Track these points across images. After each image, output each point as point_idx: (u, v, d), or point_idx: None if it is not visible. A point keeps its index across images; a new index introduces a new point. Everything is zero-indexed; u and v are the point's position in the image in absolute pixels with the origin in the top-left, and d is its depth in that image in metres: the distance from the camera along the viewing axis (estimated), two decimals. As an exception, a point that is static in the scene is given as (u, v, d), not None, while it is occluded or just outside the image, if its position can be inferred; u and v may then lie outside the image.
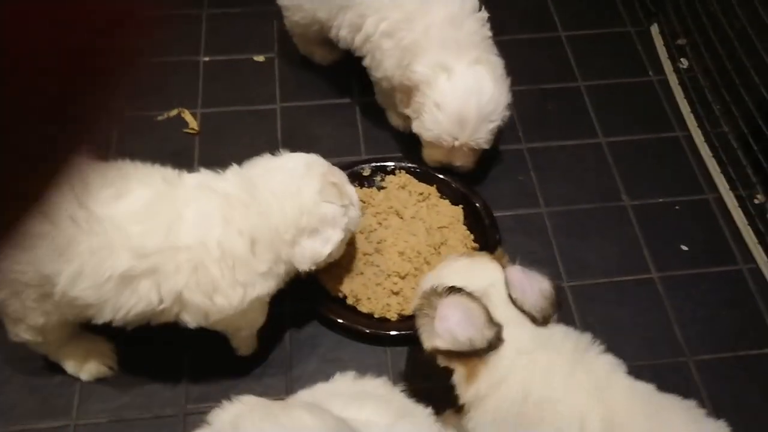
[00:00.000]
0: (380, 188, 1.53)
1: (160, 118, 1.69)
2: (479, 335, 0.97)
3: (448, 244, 1.44)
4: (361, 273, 1.39)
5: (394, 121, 1.66)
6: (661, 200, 1.59)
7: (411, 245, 1.42)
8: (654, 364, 1.33)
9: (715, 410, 1.23)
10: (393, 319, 1.35)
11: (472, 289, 1.01)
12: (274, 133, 1.67)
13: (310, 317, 1.38)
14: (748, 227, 1.52)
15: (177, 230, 1.08)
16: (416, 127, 1.47)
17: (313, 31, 1.63)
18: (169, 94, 1.74)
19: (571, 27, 1.93)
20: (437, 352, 1.00)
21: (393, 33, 1.44)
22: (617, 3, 1.98)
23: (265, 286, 1.15)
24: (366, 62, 1.54)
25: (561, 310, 1.06)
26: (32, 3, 0.28)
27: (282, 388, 1.30)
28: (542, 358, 0.98)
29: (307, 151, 1.28)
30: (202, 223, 1.09)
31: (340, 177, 1.26)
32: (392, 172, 1.56)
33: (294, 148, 1.28)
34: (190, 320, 1.13)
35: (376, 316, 1.35)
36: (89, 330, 1.23)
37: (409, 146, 1.61)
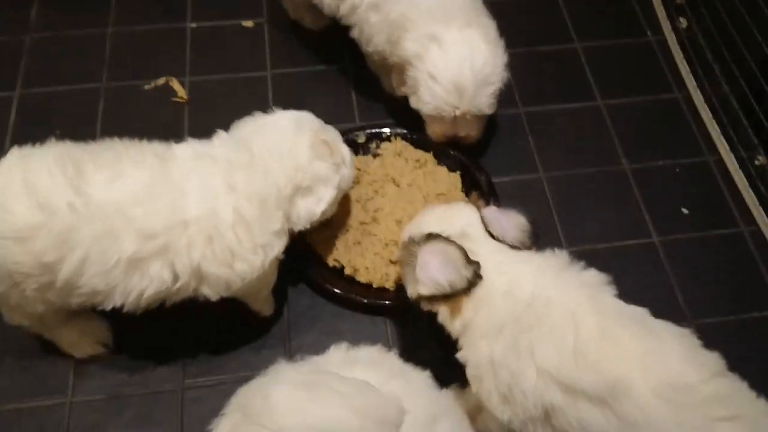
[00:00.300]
0: (375, 155, 1.50)
1: (147, 87, 1.65)
2: (458, 276, 1.00)
3: (446, 211, 1.41)
4: (359, 242, 1.37)
5: (388, 86, 1.62)
6: (661, 163, 1.57)
7: (408, 213, 1.39)
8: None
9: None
10: (392, 289, 1.33)
11: (450, 233, 1.04)
12: (265, 101, 1.63)
13: (308, 289, 1.36)
14: (749, 189, 1.51)
15: (182, 205, 1.06)
16: (414, 103, 1.43)
17: None
18: (156, 63, 1.69)
19: (566, -14, 1.88)
20: (421, 298, 1.04)
21: (380, 6, 1.40)
22: (614, -39, 1.94)
23: (281, 244, 1.15)
24: (354, 34, 1.50)
25: (539, 241, 1.08)
26: None
27: (281, 361, 1.27)
28: (522, 269, 1.02)
29: (301, 119, 1.24)
30: (207, 193, 1.08)
31: (332, 135, 1.25)
32: (387, 138, 1.52)
33: (286, 115, 1.25)
34: (211, 292, 1.12)
35: (374, 285, 1.33)
36: (84, 309, 1.21)
37: (403, 112, 1.57)
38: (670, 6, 1.81)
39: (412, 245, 1.05)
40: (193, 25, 1.78)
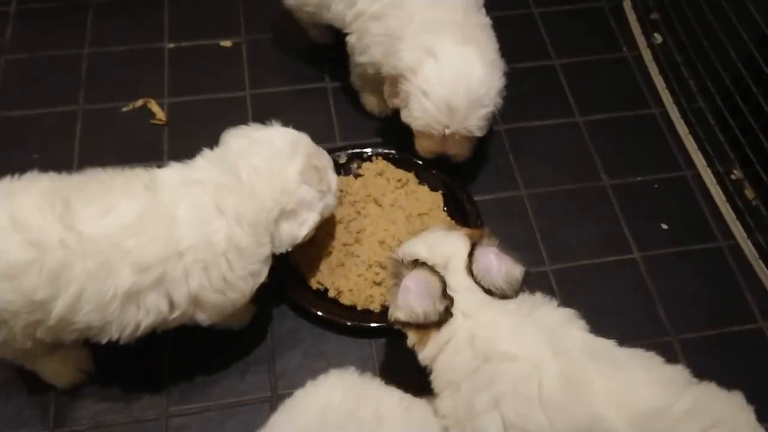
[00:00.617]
0: (357, 176, 1.50)
1: (125, 109, 1.63)
2: (433, 309, 1.01)
3: (429, 231, 1.41)
4: (342, 264, 1.36)
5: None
6: (639, 179, 1.58)
7: (391, 233, 1.39)
8: (639, 345, 1.32)
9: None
10: (376, 311, 1.32)
11: (435, 261, 1.05)
12: (244, 121, 1.58)
13: (290, 311, 1.35)
14: (726, 204, 1.52)
15: (175, 234, 1.05)
16: (404, 117, 1.41)
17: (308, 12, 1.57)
18: (134, 84, 1.68)
19: (542, 3, 1.90)
20: (398, 322, 1.05)
21: (382, 17, 1.39)
22: (589, -23, 1.96)
23: (267, 269, 1.16)
24: (352, 41, 1.48)
25: (522, 293, 1.07)
26: None
27: (266, 386, 1.27)
28: (485, 317, 1.02)
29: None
30: (198, 220, 1.07)
31: (325, 161, 1.25)
32: (369, 158, 1.52)
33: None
34: (205, 318, 1.12)
35: (358, 308, 1.33)
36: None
37: (384, 131, 1.58)
38: (645, 22, 1.83)
39: (400, 266, 1.05)
40: (171, 45, 1.76)
